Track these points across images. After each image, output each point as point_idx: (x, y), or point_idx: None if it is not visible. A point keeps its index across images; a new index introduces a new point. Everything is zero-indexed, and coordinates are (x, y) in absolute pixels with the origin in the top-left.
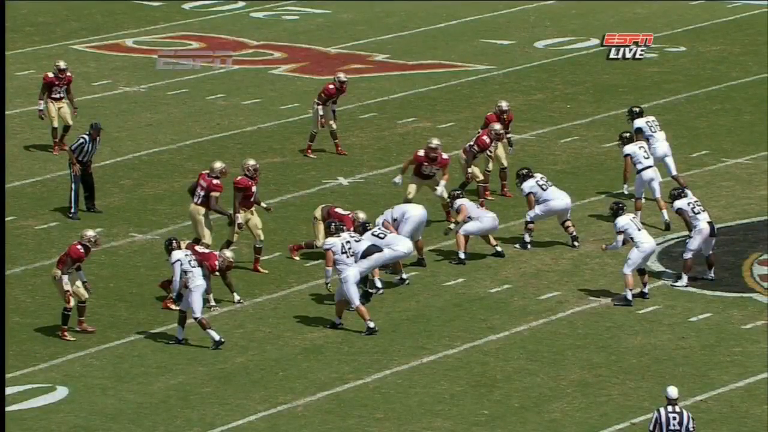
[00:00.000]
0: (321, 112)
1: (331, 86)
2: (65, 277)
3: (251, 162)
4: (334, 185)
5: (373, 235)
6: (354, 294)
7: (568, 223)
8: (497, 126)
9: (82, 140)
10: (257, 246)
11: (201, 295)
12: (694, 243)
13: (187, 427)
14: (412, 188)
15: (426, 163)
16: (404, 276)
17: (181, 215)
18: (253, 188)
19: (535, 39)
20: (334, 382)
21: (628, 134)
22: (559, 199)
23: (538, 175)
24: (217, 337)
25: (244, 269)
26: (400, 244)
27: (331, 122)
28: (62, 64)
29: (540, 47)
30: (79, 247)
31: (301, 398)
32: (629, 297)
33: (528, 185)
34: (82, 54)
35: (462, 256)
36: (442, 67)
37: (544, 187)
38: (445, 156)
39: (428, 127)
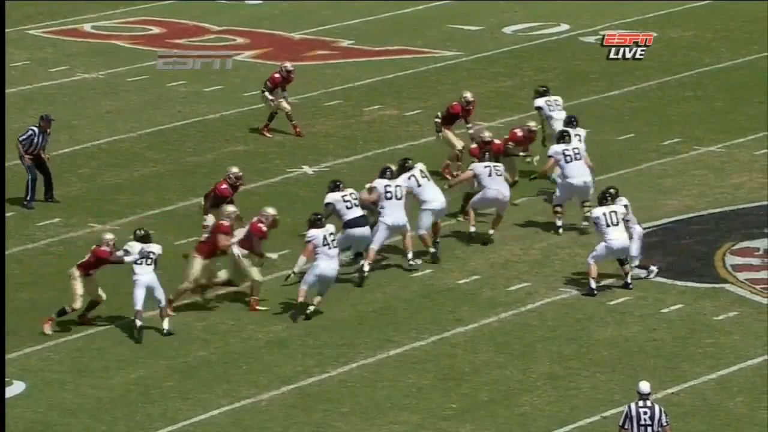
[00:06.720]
0: (270, 96)
1: (277, 75)
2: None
3: (234, 169)
4: (298, 174)
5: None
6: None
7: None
8: (486, 134)
9: (31, 132)
10: None
11: (143, 291)
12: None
13: (148, 422)
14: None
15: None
16: (411, 258)
17: (141, 205)
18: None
19: (504, 24)
20: (299, 375)
21: (566, 133)
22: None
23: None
24: (138, 324)
25: None
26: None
27: (284, 104)
28: None
29: (509, 33)
30: (104, 248)
31: (265, 392)
32: (592, 286)
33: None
34: (38, 39)
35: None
36: (409, 53)
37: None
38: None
39: (395, 115)
